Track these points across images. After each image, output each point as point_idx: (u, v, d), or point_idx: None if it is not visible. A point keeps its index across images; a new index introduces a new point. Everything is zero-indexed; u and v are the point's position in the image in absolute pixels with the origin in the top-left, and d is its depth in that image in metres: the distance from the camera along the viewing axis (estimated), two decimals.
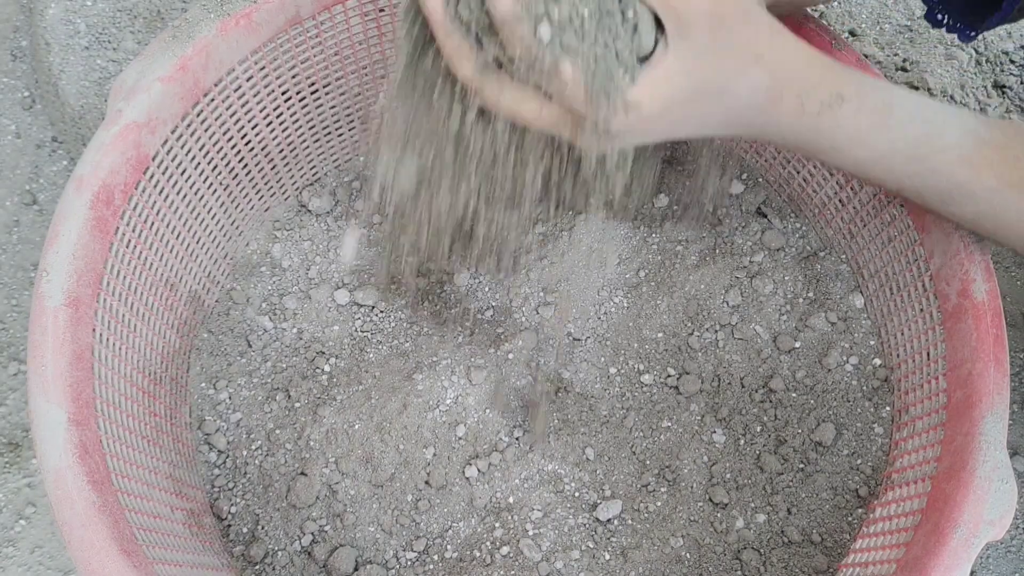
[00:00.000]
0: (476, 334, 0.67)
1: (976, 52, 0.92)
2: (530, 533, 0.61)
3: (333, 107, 0.71)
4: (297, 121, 0.69)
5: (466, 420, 0.63)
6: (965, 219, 0.51)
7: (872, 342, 0.68)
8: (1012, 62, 0.92)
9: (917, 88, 0.90)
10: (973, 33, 0.60)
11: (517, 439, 0.64)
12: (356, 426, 0.63)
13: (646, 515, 0.63)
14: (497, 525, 0.61)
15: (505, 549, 0.60)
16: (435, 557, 0.61)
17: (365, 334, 0.68)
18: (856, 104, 0.46)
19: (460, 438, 0.63)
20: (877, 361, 0.67)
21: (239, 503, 0.62)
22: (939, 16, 0.62)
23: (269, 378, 0.66)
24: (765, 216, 0.74)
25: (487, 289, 0.69)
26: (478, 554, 0.61)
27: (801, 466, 0.64)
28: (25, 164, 0.86)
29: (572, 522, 0.62)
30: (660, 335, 0.68)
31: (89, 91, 0.81)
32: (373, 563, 0.60)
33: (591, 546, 0.61)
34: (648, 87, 0.41)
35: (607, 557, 0.61)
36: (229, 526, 0.61)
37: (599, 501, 0.63)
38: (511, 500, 0.62)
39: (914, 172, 0.48)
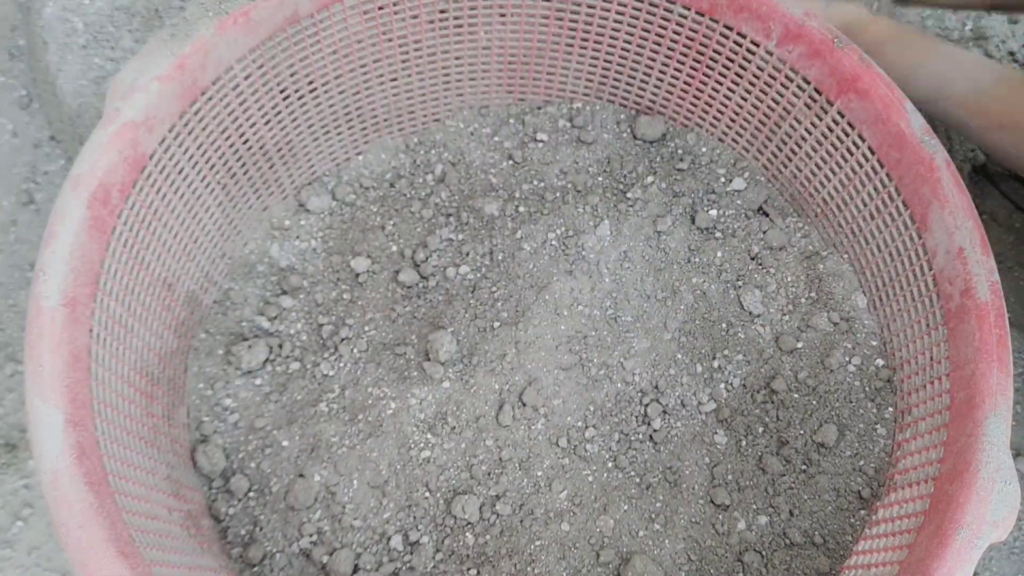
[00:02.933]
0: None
1: (984, 52, 0.92)
2: (535, 541, 0.61)
3: (332, 106, 0.71)
4: (296, 120, 0.69)
5: (467, 421, 0.63)
6: (971, 140, 0.75)
7: (875, 342, 0.67)
8: (1016, 61, 0.92)
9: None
10: None
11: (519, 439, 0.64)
12: (355, 427, 0.62)
13: (647, 515, 0.62)
14: (497, 525, 0.61)
15: (505, 550, 0.60)
16: (436, 558, 0.60)
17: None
18: (892, 57, 0.67)
19: (460, 440, 0.63)
20: (880, 362, 0.67)
21: (237, 505, 0.62)
22: None
23: (267, 379, 0.66)
24: (767, 215, 0.73)
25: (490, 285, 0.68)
26: (478, 558, 0.60)
27: (803, 467, 0.64)
28: (22, 163, 0.86)
29: (573, 524, 0.62)
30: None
31: (87, 90, 0.81)
32: (372, 564, 0.60)
33: (592, 546, 0.61)
34: None
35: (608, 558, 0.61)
36: (227, 528, 0.61)
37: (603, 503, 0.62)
38: (512, 502, 0.62)
39: (931, 109, 0.68)
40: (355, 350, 0.67)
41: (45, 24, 0.83)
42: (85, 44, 0.82)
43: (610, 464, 0.64)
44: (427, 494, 0.62)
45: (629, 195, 0.72)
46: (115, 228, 0.56)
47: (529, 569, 0.59)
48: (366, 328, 0.68)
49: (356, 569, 0.59)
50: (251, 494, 0.62)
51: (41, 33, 0.83)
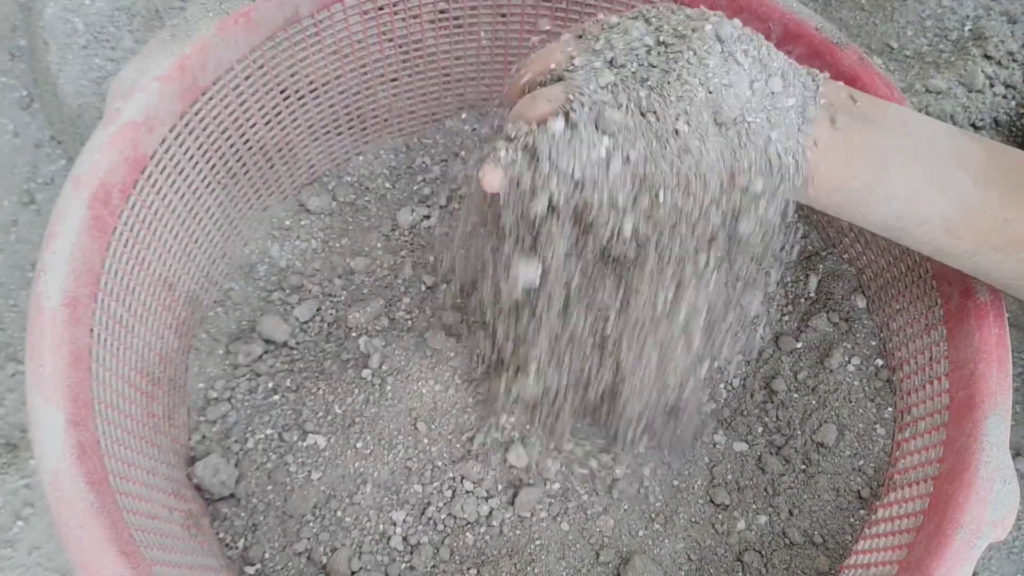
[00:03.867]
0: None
1: (984, 53, 0.92)
2: (535, 541, 0.61)
3: (332, 106, 0.71)
4: (296, 120, 0.69)
5: (468, 423, 0.63)
6: (955, 265, 0.51)
7: (874, 343, 0.67)
8: (1016, 61, 0.92)
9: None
10: None
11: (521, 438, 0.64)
12: (356, 427, 0.62)
13: (647, 515, 0.62)
14: (497, 526, 0.61)
15: (505, 550, 0.60)
16: (436, 557, 0.60)
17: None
18: (825, 174, 0.47)
19: (462, 440, 0.63)
20: (879, 362, 0.67)
21: (237, 505, 0.62)
22: None
23: (268, 379, 0.66)
24: None
25: None
26: (478, 557, 0.60)
27: (803, 467, 0.64)
28: (23, 163, 0.86)
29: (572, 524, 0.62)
30: None
31: (87, 90, 0.81)
32: (373, 564, 0.60)
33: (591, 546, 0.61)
34: None
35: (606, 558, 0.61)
36: (228, 527, 0.61)
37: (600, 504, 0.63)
38: (511, 504, 0.62)
39: (898, 237, 0.50)
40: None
41: (46, 24, 0.83)
42: (86, 44, 0.83)
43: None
44: (428, 493, 0.62)
45: None
46: (116, 228, 0.56)
47: (529, 569, 0.60)
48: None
49: (356, 569, 0.59)
50: (251, 494, 0.62)
51: (42, 33, 0.83)
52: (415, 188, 0.75)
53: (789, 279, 0.70)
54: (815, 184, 0.47)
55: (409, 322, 0.68)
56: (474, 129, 0.77)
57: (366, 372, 0.64)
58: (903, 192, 0.47)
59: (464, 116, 0.77)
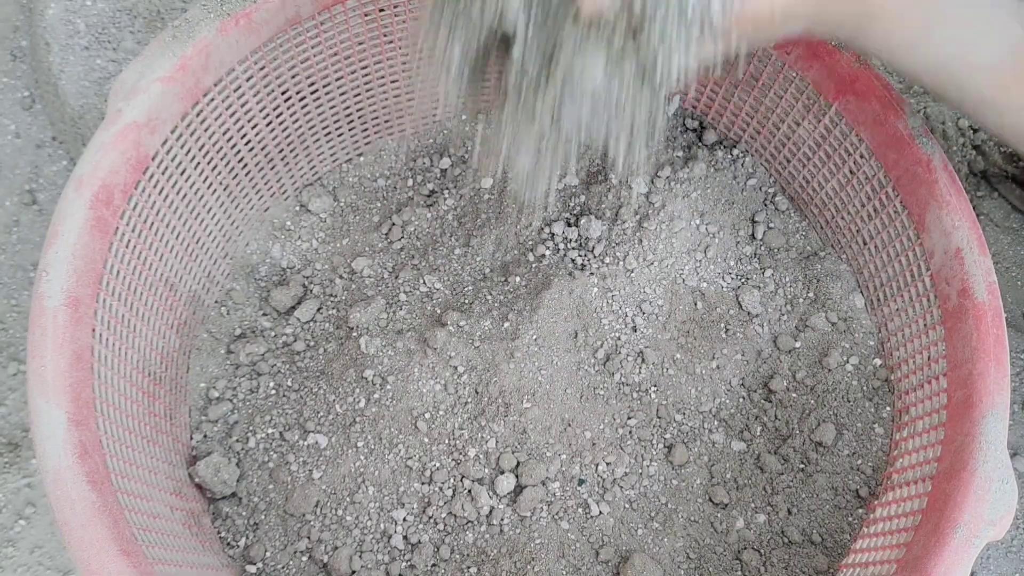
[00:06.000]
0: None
1: None
2: (535, 540, 0.61)
3: (333, 107, 0.71)
4: (297, 121, 0.69)
5: (470, 424, 0.63)
6: (990, 128, 0.52)
7: (872, 342, 0.68)
8: None
9: None
10: None
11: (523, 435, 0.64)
12: (357, 426, 0.63)
13: (646, 514, 0.63)
14: (497, 524, 0.61)
15: (506, 549, 0.60)
16: (437, 556, 0.61)
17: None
18: (887, 22, 0.48)
19: (464, 440, 0.63)
20: (877, 361, 0.67)
21: (238, 504, 0.62)
22: None
23: (269, 379, 0.66)
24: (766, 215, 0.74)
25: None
26: (478, 556, 0.61)
27: (801, 466, 0.64)
28: (25, 164, 0.86)
29: (573, 523, 0.62)
30: None
31: (89, 91, 0.81)
32: (373, 563, 0.60)
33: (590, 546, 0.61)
34: None
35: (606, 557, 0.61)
36: (229, 526, 0.61)
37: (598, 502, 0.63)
38: (512, 503, 0.62)
39: (947, 86, 0.50)
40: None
41: (47, 25, 0.83)
42: (87, 45, 0.83)
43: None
44: (428, 492, 0.62)
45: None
46: (117, 228, 0.56)
47: (529, 567, 0.60)
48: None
49: (357, 568, 0.60)
50: (253, 493, 0.62)
51: (43, 34, 0.83)
52: (416, 189, 0.75)
53: (788, 279, 0.70)
54: (870, 26, 0.48)
55: (409, 322, 0.68)
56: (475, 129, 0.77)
57: (367, 372, 0.64)
58: (956, 35, 0.48)
59: (464, 117, 0.77)
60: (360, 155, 0.76)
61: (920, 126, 0.61)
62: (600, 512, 0.62)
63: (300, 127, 0.70)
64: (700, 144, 0.75)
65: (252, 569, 0.60)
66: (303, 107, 0.69)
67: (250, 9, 0.60)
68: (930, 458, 0.56)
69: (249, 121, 0.65)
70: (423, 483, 0.62)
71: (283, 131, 0.69)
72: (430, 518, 0.61)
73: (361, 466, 0.62)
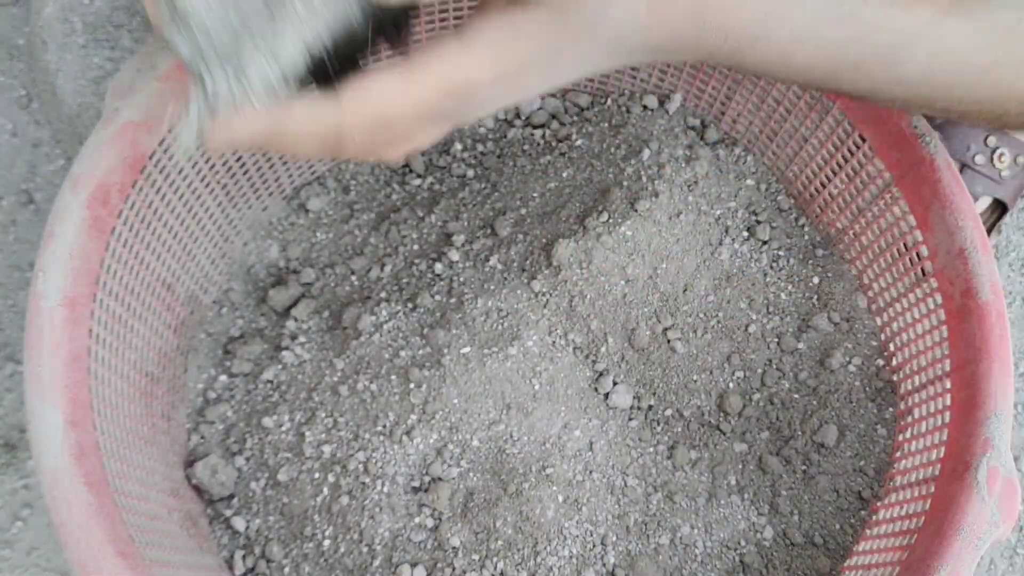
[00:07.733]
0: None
1: None
2: (537, 541, 0.61)
3: None
4: None
5: (471, 416, 0.63)
6: (921, 81, 0.42)
7: (875, 343, 0.67)
8: None
9: None
10: None
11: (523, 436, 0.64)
12: (356, 425, 0.62)
13: (646, 517, 0.62)
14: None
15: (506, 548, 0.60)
16: (438, 556, 0.60)
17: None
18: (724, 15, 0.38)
19: (468, 439, 0.63)
20: (880, 362, 0.67)
21: (237, 504, 0.62)
22: None
23: (268, 379, 0.66)
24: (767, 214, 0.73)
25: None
26: (477, 557, 0.60)
27: (804, 468, 0.64)
28: (21, 163, 0.86)
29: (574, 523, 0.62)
30: None
31: (86, 90, 0.81)
32: (373, 564, 0.60)
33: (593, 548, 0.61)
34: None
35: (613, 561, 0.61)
36: (227, 527, 0.61)
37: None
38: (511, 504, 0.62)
39: (846, 39, 0.40)
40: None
41: (44, 23, 0.83)
42: (84, 44, 0.82)
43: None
44: (429, 491, 0.62)
45: None
46: (114, 228, 0.56)
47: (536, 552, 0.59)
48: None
49: (356, 567, 0.59)
50: (251, 495, 0.62)
51: (40, 32, 0.83)
52: (415, 189, 0.75)
53: (790, 279, 0.70)
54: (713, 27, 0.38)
55: (409, 322, 0.68)
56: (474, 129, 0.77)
57: (368, 372, 0.64)
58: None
59: None
60: None
61: (923, 125, 0.61)
62: (600, 512, 0.62)
63: None
64: (702, 142, 0.75)
65: (251, 570, 0.60)
66: None
67: None
68: (933, 459, 0.56)
69: None
70: (430, 482, 0.62)
71: None
72: (429, 516, 0.61)
73: (361, 466, 0.61)
